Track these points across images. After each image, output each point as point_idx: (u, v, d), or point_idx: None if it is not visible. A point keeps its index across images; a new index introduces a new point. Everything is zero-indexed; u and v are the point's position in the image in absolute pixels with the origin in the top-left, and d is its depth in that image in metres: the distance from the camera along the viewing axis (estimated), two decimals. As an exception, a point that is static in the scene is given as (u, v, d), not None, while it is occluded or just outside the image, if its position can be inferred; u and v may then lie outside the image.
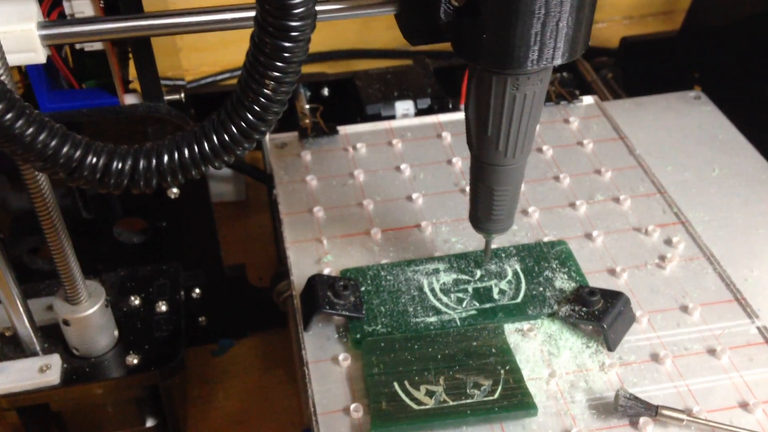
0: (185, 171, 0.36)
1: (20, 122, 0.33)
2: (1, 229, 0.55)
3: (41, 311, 0.53)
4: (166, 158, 0.35)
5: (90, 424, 0.56)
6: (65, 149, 0.34)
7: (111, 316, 0.53)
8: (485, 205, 0.47)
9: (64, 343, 0.53)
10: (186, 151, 0.35)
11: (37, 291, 0.56)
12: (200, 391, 0.64)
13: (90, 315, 0.51)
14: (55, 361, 0.52)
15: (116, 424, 0.57)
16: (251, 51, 0.35)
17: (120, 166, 0.35)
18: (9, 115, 0.32)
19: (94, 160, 0.34)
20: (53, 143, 0.34)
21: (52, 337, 0.53)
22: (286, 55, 0.34)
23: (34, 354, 0.52)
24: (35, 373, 0.51)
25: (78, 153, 0.34)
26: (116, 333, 0.54)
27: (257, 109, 0.35)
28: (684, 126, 0.66)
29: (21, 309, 0.50)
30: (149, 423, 0.58)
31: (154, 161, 0.35)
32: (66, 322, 0.51)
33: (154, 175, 0.35)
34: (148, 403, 0.57)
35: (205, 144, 0.35)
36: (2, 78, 0.39)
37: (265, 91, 0.34)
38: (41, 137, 0.33)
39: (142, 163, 0.35)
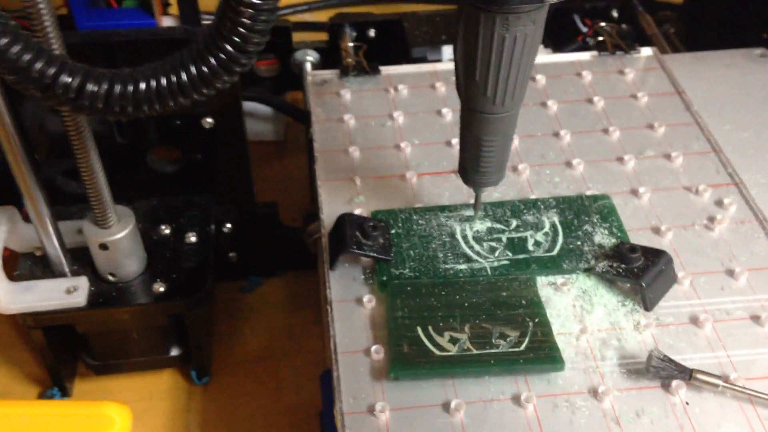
0: (162, 100, 0.35)
1: None
2: (37, 151, 0.55)
3: (72, 234, 0.53)
4: (142, 85, 0.34)
5: (115, 348, 0.56)
6: (39, 65, 0.33)
7: (140, 243, 0.53)
8: (473, 156, 0.44)
9: (92, 267, 0.53)
10: (164, 80, 0.34)
11: (69, 214, 0.56)
12: (227, 325, 0.64)
13: (118, 239, 0.50)
14: (83, 283, 0.52)
15: (141, 351, 0.57)
16: None
17: (95, 88, 0.34)
18: None
19: (69, 79, 0.34)
20: (27, 57, 0.33)
21: (81, 259, 0.53)
22: None
23: (63, 275, 0.52)
24: (62, 293, 0.51)
25: (52, 70, 0.33)
26: (145, 260, 0.54)
27: (236, 39, 0.34)
28: (746, 84, 0.62)
29: (51, 229, 0.50)
30: (173, 352, 0.58)
31: (130, 87, 0.34)
32: (94, 246, 0.51)
33: (129, 101, 0.34)
34: (173, 332, 0.57)
35: (183, 74, 0.34)
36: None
37: (243, 20, 0.33)
38: (15, 49, 0.32)
39: (117, 88, 0.34)
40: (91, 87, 0.34)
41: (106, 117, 0.35)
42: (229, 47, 0.34)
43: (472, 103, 0.42)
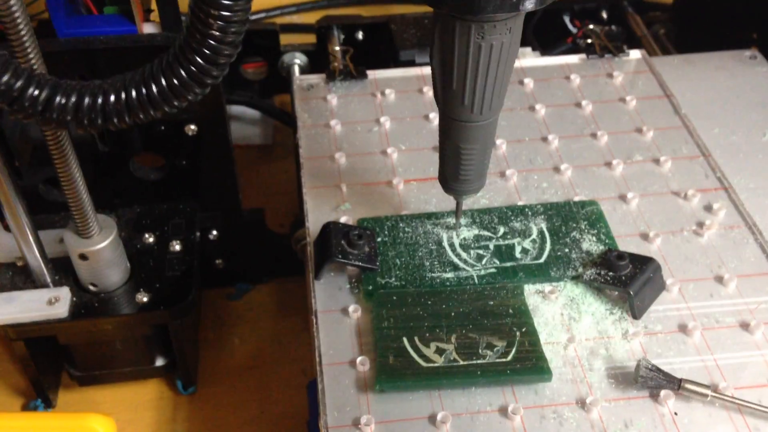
0: (132, 113, 0.34)
1: None
2: (18, 159, 0.55)
3: (54, 243, 0.53)
4: (112, 98, 0.34)
5: (99, 359, 0.55)
6: (5, 77, 0.33)
7: (123, 252, 0.52)
8: (453, 164, 0.44)
9: (75, 277, 0.52)
10: (133, 93, 0.34)
11: (51, 222, 0.55)
12: (214, 334, 0.63)
13: (100, 249, 0.50)
14: (65, 293, 0.51)
15: (125, 361, 0.56)
16: None
17: (63, 101, 0.33)
18: None
19: (36, 92, 0.33)
20: None
21: (63, 269, 0.52)
22: None
23: (45, 286, 0.52)
24: (43, 305, 0.50)
25: (19, 83, 0.33)
26: (128, 269, 0.53)
27: (207, 52, 0.33)
28: (736, 86, 0.61)
29: (31, 239, 0.49)
30: (159, 362, 0.57)
31: (99, 100, 0.34)
32: (75, 256, 0.50)
33: (98, 114, 0.34)
34: (158, 342, 0.56)
35: (153, 87, 0.34)
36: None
37: (212, 32, 0.32)
38: None
39: (87, 101, 0.33)
40: (59, 99, 0.33)
41: (75, 130, 0.35)
42: (199, 59, 0.33)
43: (450, 111, 0.41)
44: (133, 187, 0.58)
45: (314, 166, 0.55)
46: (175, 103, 0.35)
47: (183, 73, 0.34)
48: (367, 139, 0.57)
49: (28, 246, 0.49)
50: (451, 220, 0.50)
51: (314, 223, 0.51)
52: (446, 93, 0.41)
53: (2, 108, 0.34)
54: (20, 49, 0.41)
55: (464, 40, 0.38)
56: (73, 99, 0.34)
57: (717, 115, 0.59)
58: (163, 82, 0.34)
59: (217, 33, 0.33)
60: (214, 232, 0.61)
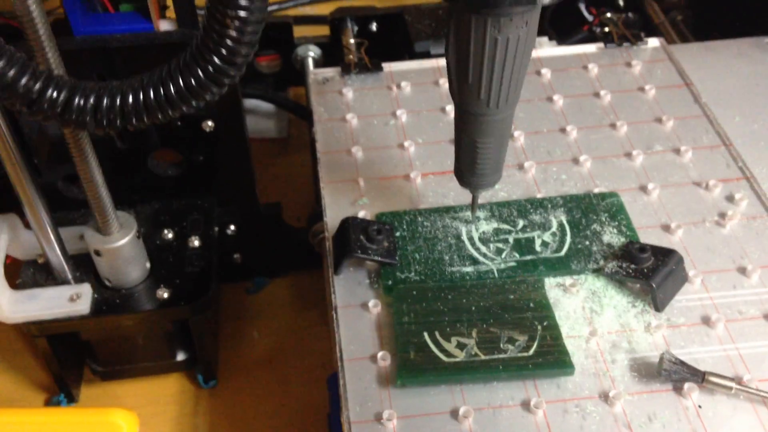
0: (150, 113, 0.34)
1: None
2: (36, 156, 0.55)
3: (74, 240, 0.53)
4: (130, 98, 0.33)
5: (120, 354, 0.56)
6: (24, 80, 0.32)
7: (142, 249, 0.52)
8: (469, 158, 0.43)
9: (95, 273, 0.52)
10: (151, 93, 0.34)
11: (71, 219, 0.55)
12: (233, 328, 0.63)
13: (120, 246, 0.50)
14: (86, 290, 0.51)
15: (147, 356, 0.57)
16: None
17: (82, 102, 0.33)
18: None
19: (55, 94, 0.33)
20: (11, 73, 0.32)
21: (84, 266, 0.52)
22: None
23: (66, 282, 0.52)
24: (65, 301, 0.50)
25: (38, 85, 0.33)
26: (148, 266, 0.53)
27: (224, 52, 0.33)
28: (756, 74, 0.60)
29: (52, 236, 0.50)
30: (179, 357, 0.58)
31: (118, 101, 0.33)
32: (96, 253, 0.50)
33: (117, 115, 0.34)
34: (178, 337, 0.56)
35: (171, 87, 0.33)
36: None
37: (229, 32, 0.32)
38: None
39: (105, 102, 0.33)
40: (78, 101, 0.33)
41: (94, 131, 0.35)
42: (216, 60, 0.33)
43: (465, 105, 0.41)
44: (152, 184, 0.58)
45: (331, 161, 0.55)
46: (193, 103, 0.35)
47: (200, 73, 0.34)
48: (383, 133, 0.57)
49: (49, 243, 0.50)
50: (470, 214, 0.50)
51: (332, 217, 0.51)
52: (462, 87, 0.40)
53: (22, 110, 0.34)
54: (38, 48, 0.41)
55: (480, 34, 0.37)
56: (92, 100, 0.34)
57: (738, 103, 0.58)
58: (181, 82, 0.34)
59: (234, 33, 0.33)
60: (232, 227, 0.61)
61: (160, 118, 0.35)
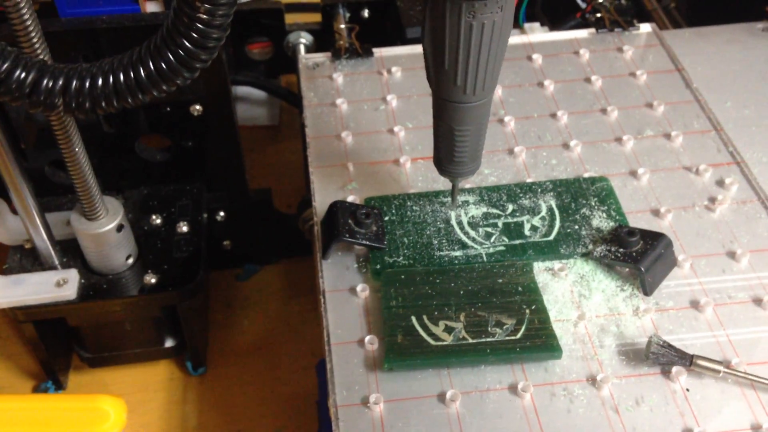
0: (120, 97, 0.34)
1: None
2: (24, 141, 0.54)
3: (61, 225, 0.53)
4: (99, 81, 0.33)
5: (108, 340, 0.56)
6: None
7: (130, 234, 0.52)
8: (447, 146, 0.43)
9: (82, 259, 0.52)
10: (121, 77, 0.33)
11: (58, 205, 0.55)
12: (223, 315, 0.63)
13: (107, 231, 0.50)
14: (73, 276, 0.51)
15: (135, 343, 0.56)
16: None
17: (50, 84, 0.33)
18: None
19: (23, 74, 0.33)
20: None
21: (71, 252, 0.52)
22: None
23: (53, 268, 0.52)
24: (52, 287, 0.50)
25: (5, 65, 0.32)
26: (135, 251, 0.53)
27: (194, 35, 0.32)
28: (748, 59, 0.60)
29: (39, 222, 0.49)
30: (168, 343, 0.57)
31: (87, 83, 0.33)
32: (83, 238, 0.50)
33: (86, 97, 0.33)
34: (167, 323, 0.56)
35: (141, 71, 0.33)
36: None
37: (199, 15, 0.32)
38: None
39: (74, 84, 0.33)
40: (46, 82, 0.33)
41: (63, 114, 0.34)
42: (187, 43, 0.32)
43: (443, 92, 0.41)
44: (140, 169, 0.58)
45: (321, 146, 0.55)
46: (164, 87, 0.34)
47: (171, 57, 0.33)
48: (373, 118, 0.57)
49: (36, 228, 0.49)
50: (460, 198, 0.49)
51: (321, 202, 0.51)
52: (438, 74, 0.40)
53: None
54: (22, 30, 0.41)
55: (455, 20, 0.37)
56: (61, 82, 0.33)
57: (729, 88, 0.58)
58: (151, 66, 0.34)
59: (205, 16, 0.32)
60: (222, 213, 0.61)
61: (130, 102, 0.34)
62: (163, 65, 0.33)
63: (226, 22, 0.33)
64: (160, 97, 0.35)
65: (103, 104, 0.34)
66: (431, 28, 0.38)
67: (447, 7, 0.36)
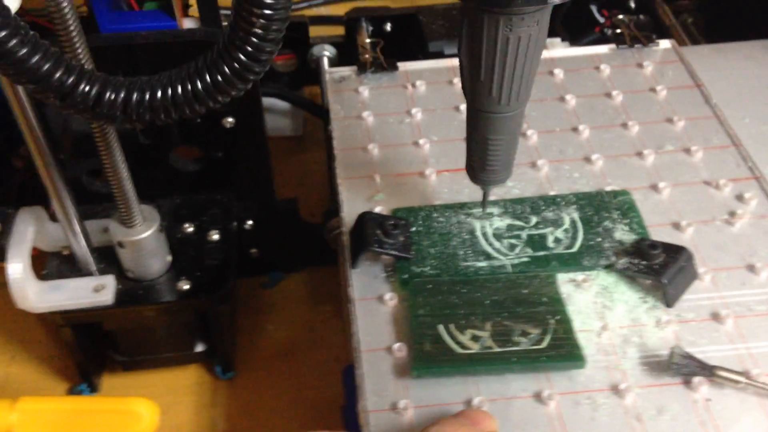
0: (178, 109, 0.35)
1: (14, 41, 0.32)
2: (61, 151, 0.56)
3: (98, 233, 0.54)
4: (159, 94, 0.35)
5: (141, 344, 0.57)
6: (58, 74, 0.33)
7: (165, 242, 0.54)
8: (480, 155, 0.45)
9: (119, 265, 0.54)
10: (179, 89, 0.35)
11: (94, 213, 0.57)
12: (249, 321, 0.65)
13: (144, 239, 0.51)
14: (110, 281, 0.53)
15: (167, 347, 0.58)
16: None
17: (112, 97, 0.34)
18: (3, 33, 0.32)
19: (87, 88, 0.34)
20: (46, 66, 0.33)
21: (108, 258, 0.54)
22: None
23: (90, 274, 0.53)
24: (90, 292, 0.52)
25: (71, 79, 0.34)
26: (169, 258, 0.55)
27: (249, 49, 0.34)
28: (766, 76, 0.61)
29: (77, 229, 0.51)
30: (198, 348, 0.59)
31: (147, 95, 0.35)
32: (120, 245, 0.51)
33: (146, 109, 0.35)
34: (197, 328, 0.58)
35: (198, 83, 0.35)
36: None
37: (255, 30, 0.33)
38: (34, 59, 0.33)
39: (135, 96, 0.35)
40: (109, 95, 0.34)
41: (123, 125, 0.36)
42: (242, 56, 0.34)
43: (477, 103, 0.42)
44: (172, 178, 0.59)
45: (348, 157, 0.56)
46: (219, 99, 0.36)
47: (227, 69, 0.35)
48: (399, 131, 0.58)
49: (75, 235, 0.51)
50: (482, 207, 0.51)
51: (349, 213, 0.52)
52: (474, 85, 0.42)
53: (54, 104, 0.35)
54: (69, 44, 0.43)
55: (492, 33, 0.38)
56: (122, 95, 0.35)
57: (747, 104, 0.59)
58: (208, 78, 0.35)
59: (260, 31, 0.34)
60: (250, 222, 0.63)
61: (187, 113, 0.36)
62: (219, 78, 0.35)
63: (279, 36, 0.34)
64: (201, 112, 0.37)
65: (162, 116, 0.35)
66: (469, 40, 0.40)
67: (485, 21, 0.38)
